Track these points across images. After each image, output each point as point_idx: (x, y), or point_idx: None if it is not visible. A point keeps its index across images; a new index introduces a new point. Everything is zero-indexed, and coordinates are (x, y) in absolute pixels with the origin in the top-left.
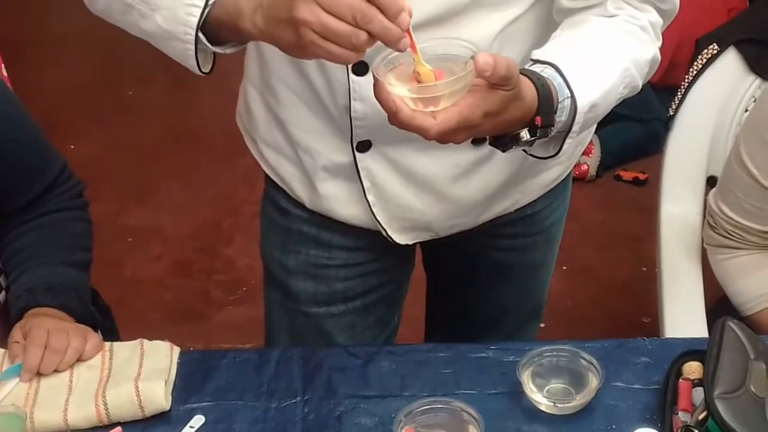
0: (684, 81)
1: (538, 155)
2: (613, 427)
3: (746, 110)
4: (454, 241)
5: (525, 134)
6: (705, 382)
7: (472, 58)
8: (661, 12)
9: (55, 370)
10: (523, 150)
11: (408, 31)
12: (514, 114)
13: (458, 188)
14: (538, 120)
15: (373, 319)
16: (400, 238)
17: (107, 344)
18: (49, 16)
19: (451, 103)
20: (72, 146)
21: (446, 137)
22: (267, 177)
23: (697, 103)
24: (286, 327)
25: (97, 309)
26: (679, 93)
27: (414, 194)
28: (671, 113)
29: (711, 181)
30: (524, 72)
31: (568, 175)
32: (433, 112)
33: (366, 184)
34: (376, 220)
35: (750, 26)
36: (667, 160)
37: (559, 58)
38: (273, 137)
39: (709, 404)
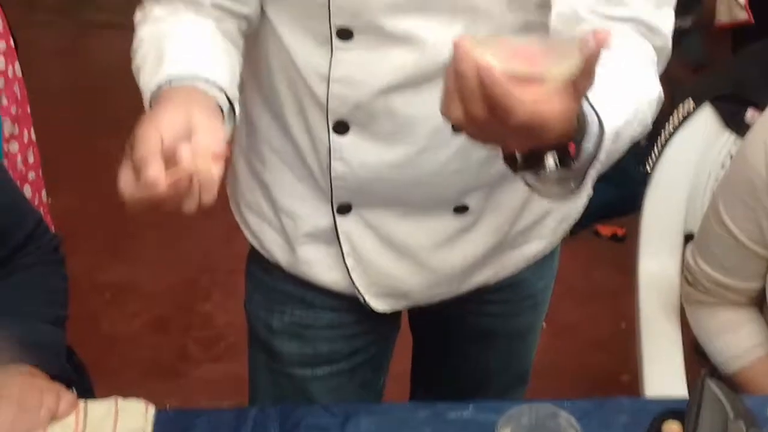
0: (660, 137)
1: (550, 195)
2: None
3: (722, 166)
4: (436, 307)
5: (552, 160)
6: None
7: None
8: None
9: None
10: (529, 185)
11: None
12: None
13: (439, 257)
14: (572, 146)
15: (358, 382)
16: (378, 304)
17: (81, 403)
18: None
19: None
20: (49, 200)
21: (523, 128)
22: None
23: (673, 160)
24: (271, 389)
25: (72, 366)
26: (655, 150)
27: (393, 261)
28: (648, 170)
29: (690, 239)
30: None
31: (554, 250)
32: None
33: (345, 248)
34: (354, 285)
35: (725, 82)
36: (645, 217)
37: None
38: (257, 202)
39: None
